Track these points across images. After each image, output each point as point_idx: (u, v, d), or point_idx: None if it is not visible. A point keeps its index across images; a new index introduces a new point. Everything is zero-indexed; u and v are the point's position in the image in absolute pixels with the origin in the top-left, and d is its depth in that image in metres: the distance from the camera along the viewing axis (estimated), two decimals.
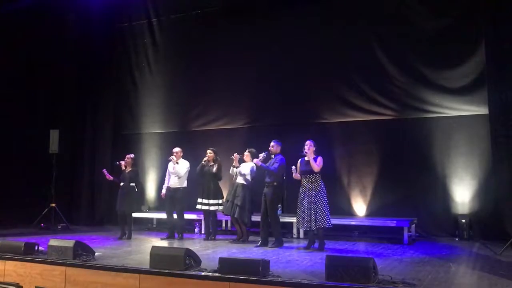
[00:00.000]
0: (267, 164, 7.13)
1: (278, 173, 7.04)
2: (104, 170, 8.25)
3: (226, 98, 9.94)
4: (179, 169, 8.06)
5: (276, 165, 7.02)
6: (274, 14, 9.55)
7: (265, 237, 7.13)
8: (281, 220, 7.52)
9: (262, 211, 7.16)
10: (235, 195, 7.49)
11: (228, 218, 8.46)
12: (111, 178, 8.23)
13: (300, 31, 9.25)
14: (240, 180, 7.55)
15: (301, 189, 6.77)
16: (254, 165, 7.31)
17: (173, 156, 8.13)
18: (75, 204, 10.73)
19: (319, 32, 9.11)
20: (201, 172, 7.98)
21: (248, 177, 7.54)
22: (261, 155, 7.19)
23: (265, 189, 7.14)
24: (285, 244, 7.15)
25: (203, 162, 7.97)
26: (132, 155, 8.37)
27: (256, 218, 7.59)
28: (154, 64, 10.87)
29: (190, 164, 8.22)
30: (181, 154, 8.27)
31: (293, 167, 6.81)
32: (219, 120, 10.11)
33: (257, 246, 7.02)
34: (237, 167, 7.60)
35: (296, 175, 6.78)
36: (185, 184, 8.14)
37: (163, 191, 8.28)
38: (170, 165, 8.21)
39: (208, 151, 8.02)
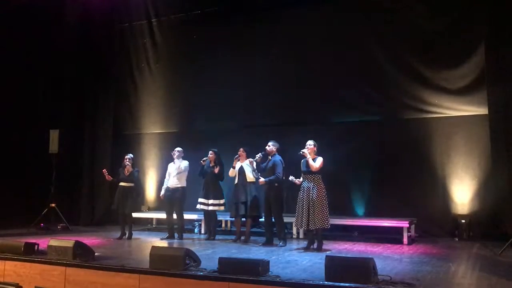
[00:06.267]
0: (264, 164, 7.20)
1: (281, 175, 7.08)
2: (104, 170, 8.25)
3: (226, 98, 9.93)
4: (181, 164, 8.09)
5: (279, 169, 7.05)
6: (274, 14, 9.55)
7: (270, 236, 7.23)
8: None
9: (265, 211, 7.23)
10: (250, 194, 7.50)
11: (228, 218, 8.48)
12: (111, 178, 8.23)
13: (300, 31, 9.26)
14: (251, 177, 7.55)
15: (301, 189, 6.78)
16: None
17: (175, 152, 8.20)
18: (75, 204, 10.72)
19: (319, 32, 9.12)
20: (202, 172, 8.00)
21: (254, 174, 7.58)
22: (258, 156, 7.22)
23: (267, 190, 7.17)
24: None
25: (201, 161, 7.98)
26: (131, 155, 8.37)
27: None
28: (154, 64, 10.87)
29: (190, 165, 8.21)
30: (182, 154, 8.29)
31: (291, 177, 6.85)
32: (219, 120, 10.10)
33: (263, 245, 7.10)
34: (234, 167, 7.68)
35: (297, 181, 6.81)
36: (184, 184, 8.15)
37: (162, 192, 8.29)
38: (170, 165, 8.24)
39: (210, 152, 8.04)
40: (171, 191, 8.12)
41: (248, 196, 7.50)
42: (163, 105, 10.74)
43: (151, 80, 10.91)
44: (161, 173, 10.22)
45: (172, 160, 8.29)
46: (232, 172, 7.76)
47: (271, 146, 7.27)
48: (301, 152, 6.77)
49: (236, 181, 7.70)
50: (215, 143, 8.87)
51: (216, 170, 7.89)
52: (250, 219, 7.62)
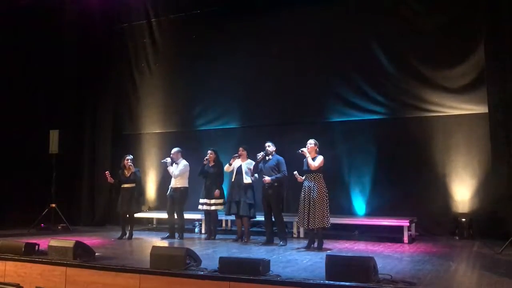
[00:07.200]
0: (261, 165, 7.22)
1: (286, 173, 7.11)
2: (107, 173, 8.24)
3: (226, 98, 9.95)
4: (174, 169, 8.11)
5: (284, 167, 7.13)
6: (274, 14, 9.54)
7: (270, 235, 7.24)
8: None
9: (265, 210, 7.23)
10: (244, 194, 7.49)
11: (228, 217, 8.48)
12: (112, 180, 8.22)
13: (300, 31, 9.25)
14: (247, 179, 7.53)
15: (302, 188, 6.78)
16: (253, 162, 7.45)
17: (167, 158, 8.18)
18: (75, 204, 10.72)
19: (319, 31, 9.11)
20: (203, 172, 8.00)
21: (249, 176, 7.58)
22: (260, 154, 7.22)
23: (266, 189, 7.16)
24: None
25: (204, 161, 7.99)
26: (131, 156, 8.35)
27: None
28: (153, 64, 10.87)
29: (190, 165, 8.20)
30: (180, 155, 8.27)
31: (295, 172, 6.83)
32: (218, 120, 10.11)
33: (263, 245, 7.11)
34: (230, 164, 7.70)
35: (300, 178, 6.81)
36: (185, 184, 8.14)
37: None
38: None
39: (209, 151, 8.04)
40: (172, 191, 8.14)
41: (241, 196, 7.49)
42: (163, 105, 10.74)
43: (151, 80, 10.90)
44: (161, 173, 10.25)
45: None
46: (227, 168, 7.77)
47: (271, 146, 7.30)
48: (299, 151, 6.79)
49: (233, 179, 7.70)
50: (215, 143, 8.89)
51: (216, 169, 7.91)
52: (248, 219, 7.59)
